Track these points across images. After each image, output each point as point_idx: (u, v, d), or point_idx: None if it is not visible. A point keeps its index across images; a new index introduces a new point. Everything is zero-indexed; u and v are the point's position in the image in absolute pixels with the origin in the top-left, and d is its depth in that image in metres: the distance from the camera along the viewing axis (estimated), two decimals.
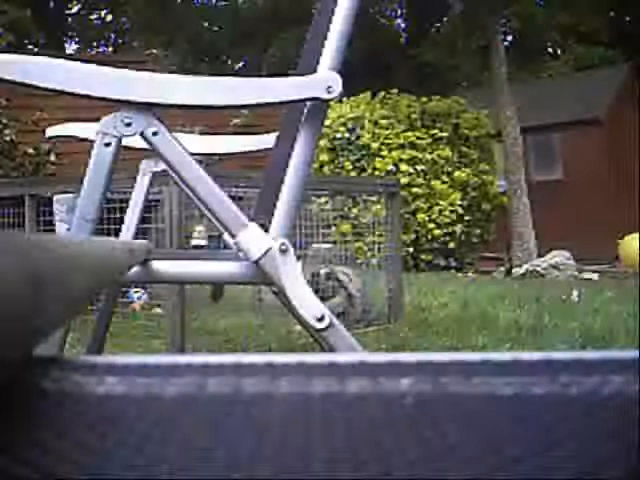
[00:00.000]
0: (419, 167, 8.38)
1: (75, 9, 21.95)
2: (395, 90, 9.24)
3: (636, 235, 8.27)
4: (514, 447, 0.16)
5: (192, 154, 0.97)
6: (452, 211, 8.40)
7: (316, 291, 3.16)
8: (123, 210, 1.67)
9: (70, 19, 21.86)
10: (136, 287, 3.86)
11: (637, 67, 13.22)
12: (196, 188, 0.96)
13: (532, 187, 9.48)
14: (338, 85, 0.98)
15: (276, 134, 1.28)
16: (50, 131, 1.69)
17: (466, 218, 8.57)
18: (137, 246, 0.89)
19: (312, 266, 3.62)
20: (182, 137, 1.01)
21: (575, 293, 4.72)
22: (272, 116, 5.23)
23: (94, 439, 0.17)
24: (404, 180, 7.69)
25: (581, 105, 12.01)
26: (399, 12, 21.13)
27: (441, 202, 8.37)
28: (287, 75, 1.05)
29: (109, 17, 22.84)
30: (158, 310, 3.53)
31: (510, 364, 0.20)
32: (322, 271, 3.33)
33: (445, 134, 8.70)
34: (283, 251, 0.96)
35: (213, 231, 4.50)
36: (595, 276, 7.37)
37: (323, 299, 3.14)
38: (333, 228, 6.07)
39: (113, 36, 23.20)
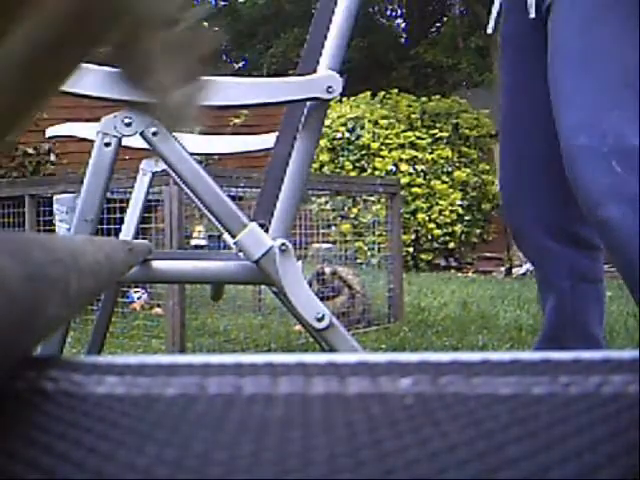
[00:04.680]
0: (419, 167, 8.37)
1: None
2: (395, 90, 9.24)
3: None
4: (514, 447, 0.16)
5: (192, 154, 0.97)
6: (452, 211, 8.39)
7: (321, 290, 3.17)
8: (123, 210, 1.67)
9: None
10: (136, 287, 3.85)
11: None
12: (196, 188, 0.96)
13: None
14: (338, 85, 0.98)
15: (276, 134, 1.28)
16: (50, 131, 1.69)
17: (466, 218, 8.56)
18: (137, 246, 0.89)
19: (312, 266, 3.62)
20: (182, 137, 1.01)
21: None
22: (272, 116, 5.23)
23: (94, 439, 0.17)
24: (404, 180, 7.69)
25: None
26: (399, 12, 21.12)
27: (441, 202, 8.36)
28: (287, 75, 1.05)
29: None
30: (158, 310, 3.53)
31: (510, 364, 0.20)
32: (327, 269, 3.33)
33: (445, 134, 8.69)
34: (283, 251, 0.96)
35: (213, 231, 4.50)
36: None
37: (328, 298, 3.14)
38: (333, 228, 6.07)
39: None
